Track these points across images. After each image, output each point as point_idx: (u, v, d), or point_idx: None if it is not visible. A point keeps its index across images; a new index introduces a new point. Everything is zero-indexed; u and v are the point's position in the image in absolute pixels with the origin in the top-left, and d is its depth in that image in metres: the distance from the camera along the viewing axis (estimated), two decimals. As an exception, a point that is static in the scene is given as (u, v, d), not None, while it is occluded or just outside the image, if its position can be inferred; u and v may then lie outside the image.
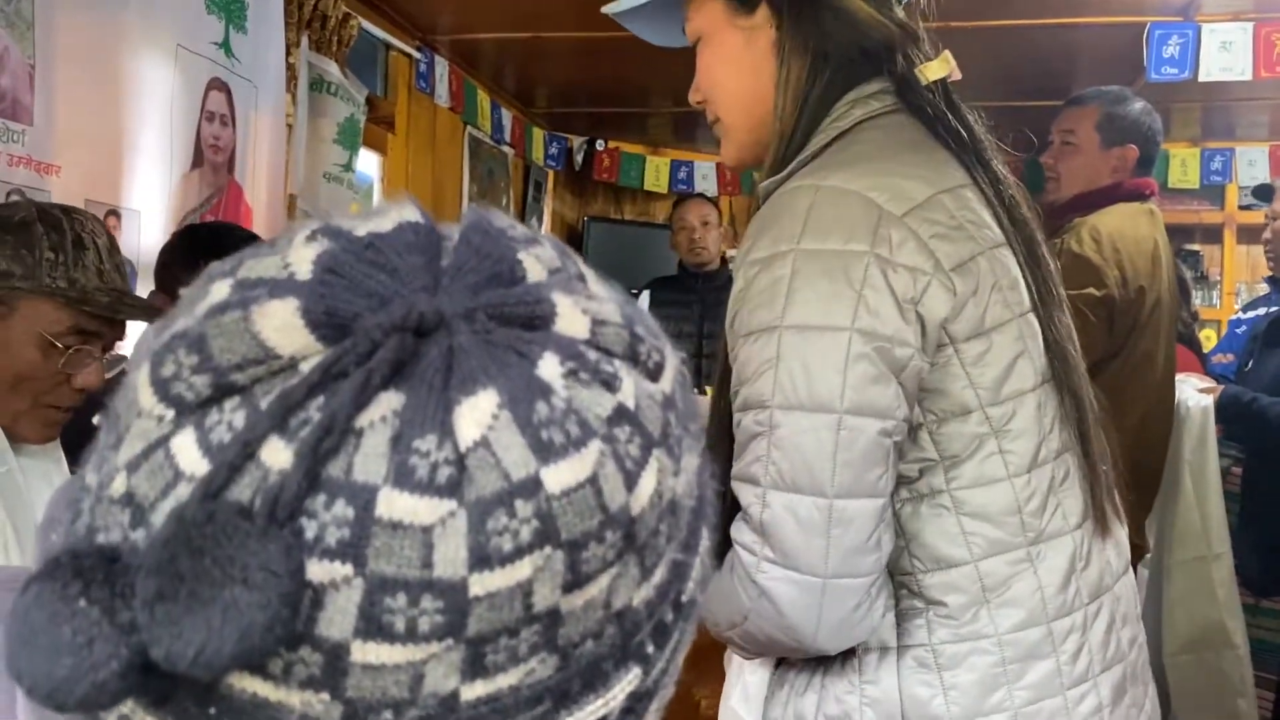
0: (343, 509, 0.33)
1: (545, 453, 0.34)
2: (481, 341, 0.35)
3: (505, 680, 0.35)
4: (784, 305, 0.91)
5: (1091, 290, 2.19)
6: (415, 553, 0.33)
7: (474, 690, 0.35)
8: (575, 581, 0.35)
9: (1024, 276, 0.98)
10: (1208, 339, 4.73)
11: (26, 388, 1.28)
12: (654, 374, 0.38)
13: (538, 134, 4.78)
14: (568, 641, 0.36)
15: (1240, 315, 3.57)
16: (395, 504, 0.33)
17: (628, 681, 0.38)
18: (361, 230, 0.38)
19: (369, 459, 0.33)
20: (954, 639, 0.91)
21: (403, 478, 0.33)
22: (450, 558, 0.33)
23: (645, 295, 3.96)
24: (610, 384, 0.36)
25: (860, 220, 0.91)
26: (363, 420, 0.33)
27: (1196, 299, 4.84)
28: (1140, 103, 2.39)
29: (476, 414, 0.33)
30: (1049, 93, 4.14)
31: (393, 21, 3.46)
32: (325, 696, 0.33)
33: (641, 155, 5.15)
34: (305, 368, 0.34)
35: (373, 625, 0.33)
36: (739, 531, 0.92)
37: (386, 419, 0.33)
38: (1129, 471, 2.31)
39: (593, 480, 0.34)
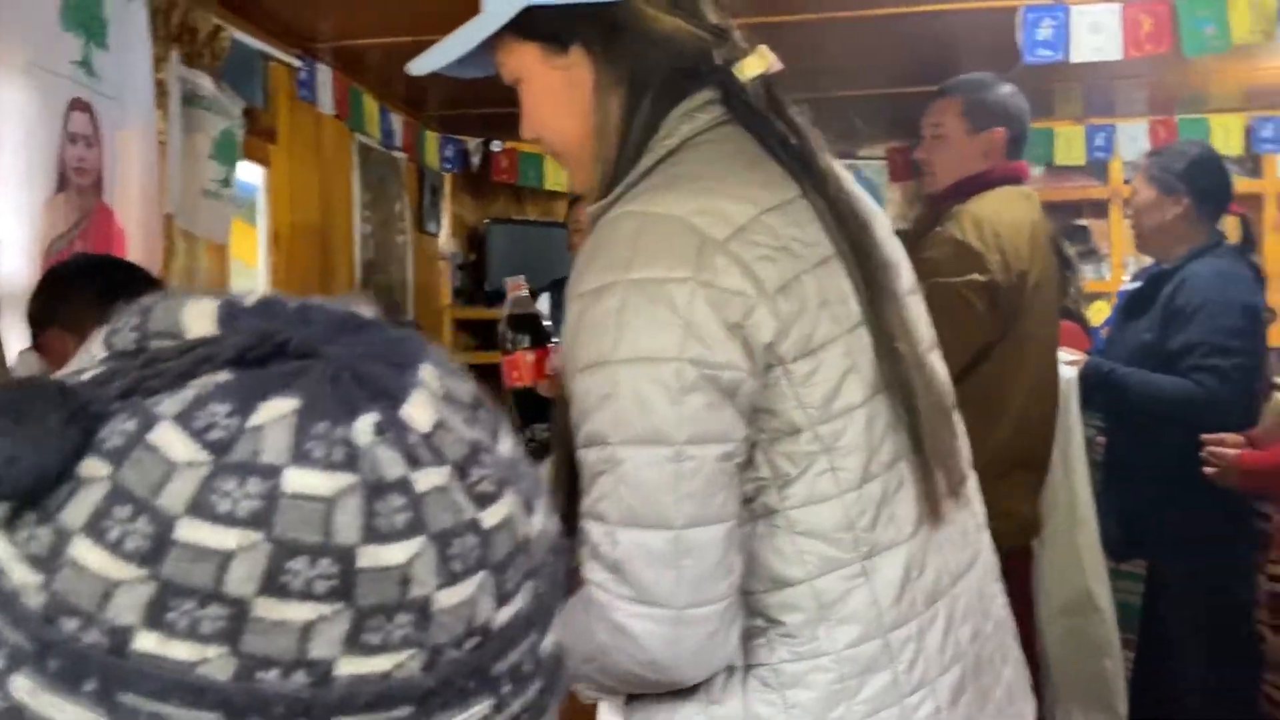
0: (254, 484, 0.38)
1: (414, 461, 0.40)
2: (362, 369, 0.41)
3: (378, 664, 0.39)
4: (614, 338, 0.91)
5: (975, 276, 2.23)
6: (317, 520, 0.38)
7: (350, 665, 0.39)
8: (445, 577, 0.40)
9: (855, 284, 0.97)
10: (1099, 311, 4.87)
11: None
12: (497, 437, 0.45)
13: (431, 137, 4.71)
14: (435, 642, 0.40)
15: (1125, 288, 3.69)
16: (300, 479, 0.38)
17: (481, 711, 0.41)
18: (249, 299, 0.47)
19: (274, 445, 0.38)
20: (793, 658, 0.91)
21: (303, 458, 0.38)
22: (344, 528, 0.38)
23: (545, 297, 3.94)
24: (465, 423, 0.43)
25: (683, 247, 0.92)
26: (264, 415, 0.39)
27: (1087, 272, 4.98)
28: (1006, 86, 2.43)
29: (362, 423, 0.40)
30: (931, 79, 4.19)
31: (269, 31, 3.37)
32: (224, 649, 0.37)
33: (540, 154, 5.11)
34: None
35: (274, 584, 0.37)
36: (591, 570, 0.92)
37: (286, 416, 0.39)
38: (1021, 452, 2.36)
39: (450, 489, 0.41)
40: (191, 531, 0.37)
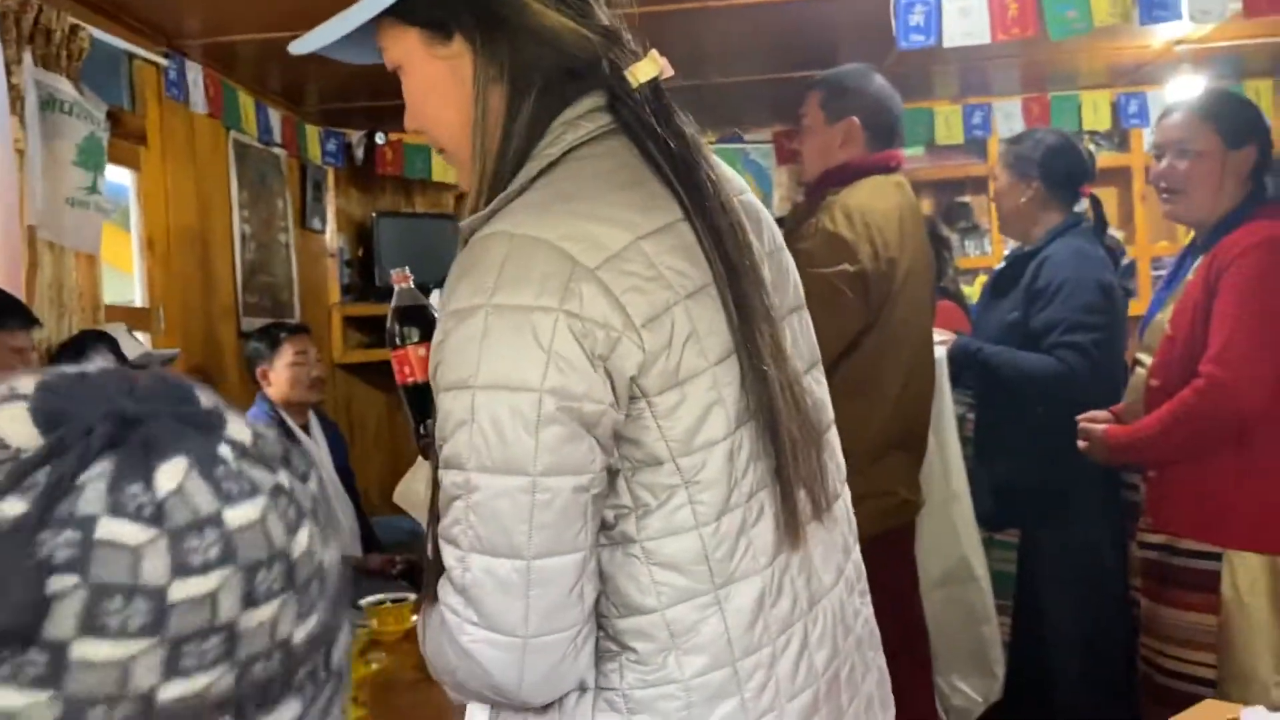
0: (70, 534, 0.44)
1: (225, 498, 0.47)
2: (171, 429, 0.48)
3: (195, 684, 0.44)
4: (476, 363, 0.90)
5: (846, 266, 2.26)
6: (127, 565, 0.44)
7: (170, 690, 0.44)
8: (251, 600, 0.47)
9: (727, 313, 0.97)
10: (982, 283, 5.02)
11: None
12: (304, 477, 0.53)
13: (311, 131, 4.60)
14: (244, 658, 0.46)
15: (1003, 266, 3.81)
16: (111, 529, 0.45)
17: (290, 711, 0.49)
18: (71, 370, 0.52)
19: (90, 500, 0.45)
20: (642, 684, 0.93)
21: (117, 510, 0.45)
22: (155, 569, 0.45)
23: (436, 294, 3.89)
24: (271, 466, 0.51)
25: (552, 274, 0.91)
26: (84, 477, 0.46)
27: (969, 248, 5.13)
28: (867, 77, 2.45)
29: (172, 471, 0.47)
30: (813, 65, 4.26)
31: (132, 29, 3.25)
32: (48, 694, 0.42)
33: (426, 145, 5.03)
34: (27, 452, 0.47)
35: (92, 625, 0.43)
36: (444, 592, 0.92)
37: (104, 474, 0.46)
38: (898, 434, 2.42)
39: (261, 522, 0.48)
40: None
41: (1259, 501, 2.06)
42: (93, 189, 2.93)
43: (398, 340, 1.24)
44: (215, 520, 0.46)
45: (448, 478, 0.92)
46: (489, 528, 0.89)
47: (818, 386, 1.13)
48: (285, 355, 3.42)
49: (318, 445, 3.55)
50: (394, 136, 4.92)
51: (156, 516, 0.45)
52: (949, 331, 2.83)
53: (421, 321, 1.24)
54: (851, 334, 2.29)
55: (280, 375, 3.43)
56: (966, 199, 5.29)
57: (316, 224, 4.71)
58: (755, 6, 3.50)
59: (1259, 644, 2.03)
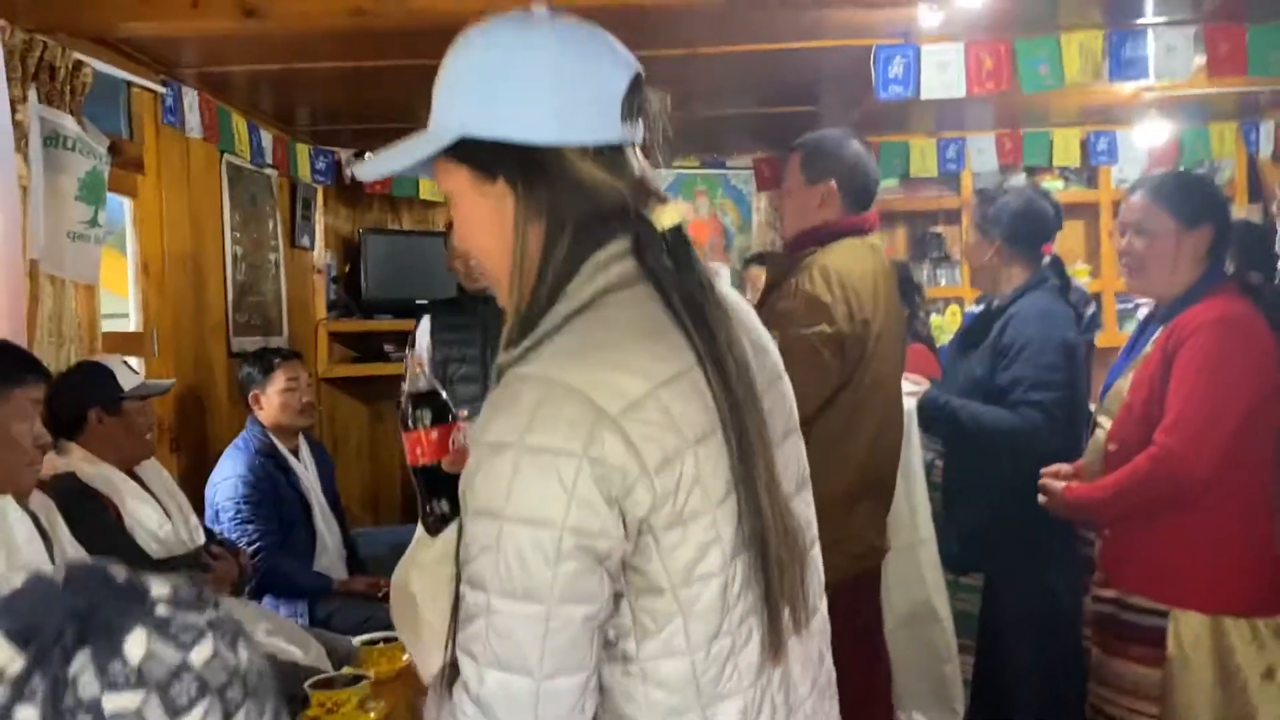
0: (85, 718, 0.60)
1: (184, 646, 0.63)
2: (116, 608, 0.63)
3: None
4: (506, 497, 1.00)
5: (824, 327, 2.37)
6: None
7: None
8: (226, 713, 0.64)
9: (729, 451, 1.06)
10: (953, 315, 5.16)
11: None
12: (214, 603, 0.69)
13: (302, 150, 4.66)
14: None
15: (973, 310, 3.94)
16: (115, 702, 0.60)
17: None
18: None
19: (86, 686, 0.61)
20: None
21: (112, 687, 0.60)
22: (157, 718, 0.61)
23: (425, 321, 3.96)
24: (196, 606, 0.66)
25: (579, 421, 0.99)
26: (73, 671, 0.61)
27: (941, 277, 5.26)
28: (843, 142, 2.55)
29: (136, 641, 0.62)
30: (795, 101, 4.39)
31: (131, 59, 3.31)
32: None
33: (414, 164, 5.11)
34: (16, 667, 0.62)
35: None
36: (459, 697, 1.02)
37: (86, 664, 0.61)
38: (869, 484, 2.53)
39: (216, 655, 0.64)
40: None
41: (1204, 565, 2.20)
42: (93, 222, 3.00)
43: (410, 423, 1.32)
44: (185, 666, 0.62)
45: (470, 596, 1.02)
46: (505, 647, 0.99)
47: (805, 508, 1.23)
48: (278, 381, 3.50)
49: (307, 469, 3.63)
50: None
51: (141, 680, 0.60)
52: (920, 376, 2.95)
53: (433, 405, 1.32)
54: (829, 391, 2.40)
55: (272, 401, 3.51)
56: (939, 229, 5.43)
57: (305, 242, 4.77)
58: (742, 54, 3.60)
59: (1200, 699, 2.17)
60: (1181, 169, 2.59)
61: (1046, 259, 2.92)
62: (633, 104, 1.11)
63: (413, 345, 3.97)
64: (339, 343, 5.11)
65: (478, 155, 1.10)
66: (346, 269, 5.21)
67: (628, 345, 1.05)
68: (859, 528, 2.50)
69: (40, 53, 2.82)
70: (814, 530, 1.22)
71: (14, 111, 2.73)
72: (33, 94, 2.80)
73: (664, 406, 1.02)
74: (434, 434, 1.29)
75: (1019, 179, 5.43)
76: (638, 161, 1.13)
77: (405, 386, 1.34)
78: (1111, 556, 2.36)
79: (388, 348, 5.07)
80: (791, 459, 1.22)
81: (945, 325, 4.97)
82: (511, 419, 1.01)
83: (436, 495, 1.30)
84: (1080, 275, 5.34)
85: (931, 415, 2.76)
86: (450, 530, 1.25)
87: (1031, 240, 2.85)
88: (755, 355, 1.18)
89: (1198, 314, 2.24)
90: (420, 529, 1.27)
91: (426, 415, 1.30)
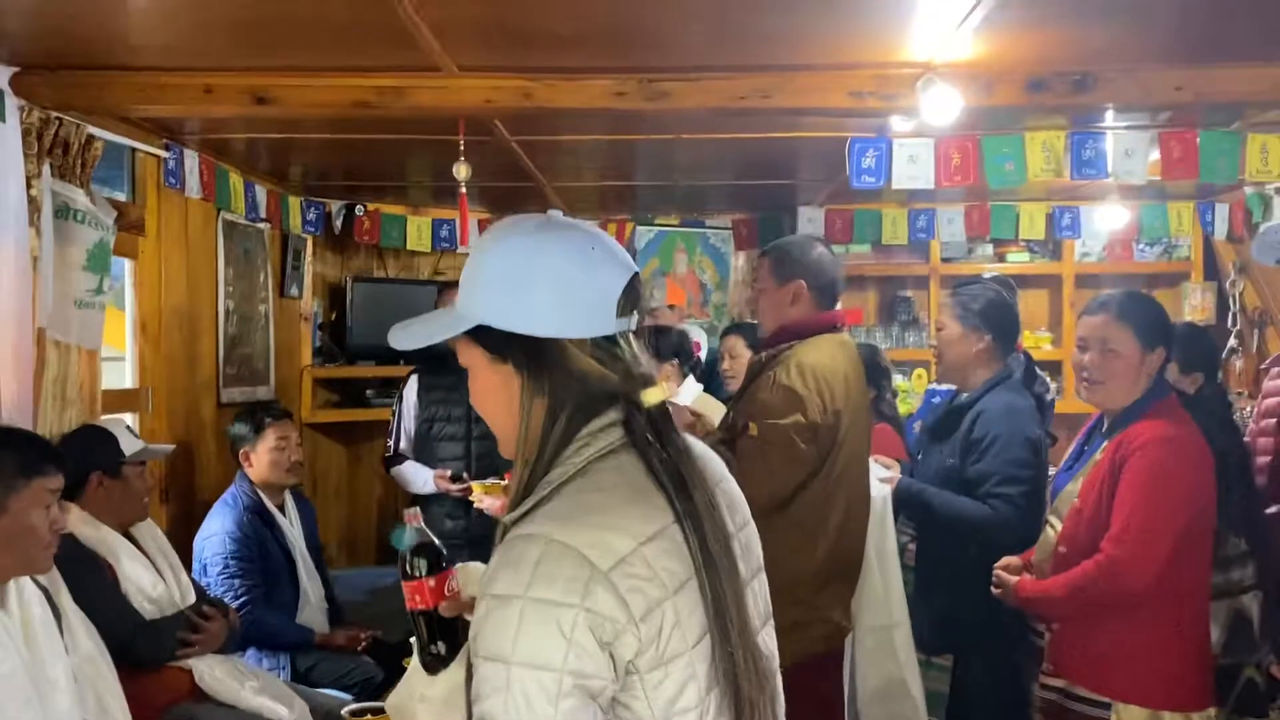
0: None
1: None
2: None
3: None
4: (513, 644, 1.16)
5: (799, 418, 2.55)
6: None
7: None
8: None
9: (704, 598, 1.22)
10: (920, 378, 5.34)
11: None
12: None
13: (294, 202, 4.78)
14: None
15: (935, 387, 4.11)
16: None
17: None
18: None
19: None
20: None
21: None
22: None
23: (413, 379, 4.09)
24: None
25: (576, 577, 1.16)
26: None
27: (909, 340, 5.44)
28: (807, 246, 2.76)
29: None
30: (775, 175, 4.58)
31: (137, 125, 3.43)
32: None
33: (402, 216, 5.24)
34: None
35: None
36: None
37: None
38: (837, 566, 2.68)
39: None
40: None
41: (1143, 662, 2.35)
42: (98, 290, 3.11)
43: (409, 571, 1.47)
44: None
45: None
46: None
47: (769, 638, 1.39)
48: (268, 440, 3.61)
49: (292, 524, 3.74)
50: (372, 207, 5.12)
51: None
52: (891, 460, 3.11)
53: (429, 555, 1.48)
54: (804, 476, 2.58)
55: (262, 459, 3.62)
56: (908, 293, 5.62)
57: (294, 291, 4.89)
58: (733, 140, 3.78)
59: (1140, 787, 2.33)
60: (1139, 291, 2.73)
61: (1019, 355, 3.10)
62: (628, 301, 1.29)
63: (400, 401, 4.11)
64: (321, 387, 5.22)
65: (492, 341, 1.27)
66: (333, 316, 5.33)
67: (615, 507, 1.22)
68: (828, 608, 2.67)
69: (56, 129, 2.94)
70: (776, 661, 1.38)
71: (29, 186, 2.85)
72: (46, 169, 2.92)
73: (647, 561, 1.19)
74: (431, 582, 1.45)
75: (985, 250, 5.66)
76: (630, 348, 1.30)
77: (405, 539, 1.49)
78: (1059, 649, 2.53)
79: (369, 393, 5.20)
80: (759, 595, 1.38)
81: (913, 388, 5.16)
82: (516, 574, 1.17)
83: (434, 638, 1.46)
84: (1043, 342, 5.56)
85: (906, 502, 2.92)
86: (451, 671, 1.40)
87: (1013, 337, 3.02)
88: (728, 506, 1.35)
89: (1144, 430, 2.41)
90: (416, 663, 1.42)
91: (423, 565, 1.46)
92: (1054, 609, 2.51)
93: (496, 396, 1.29)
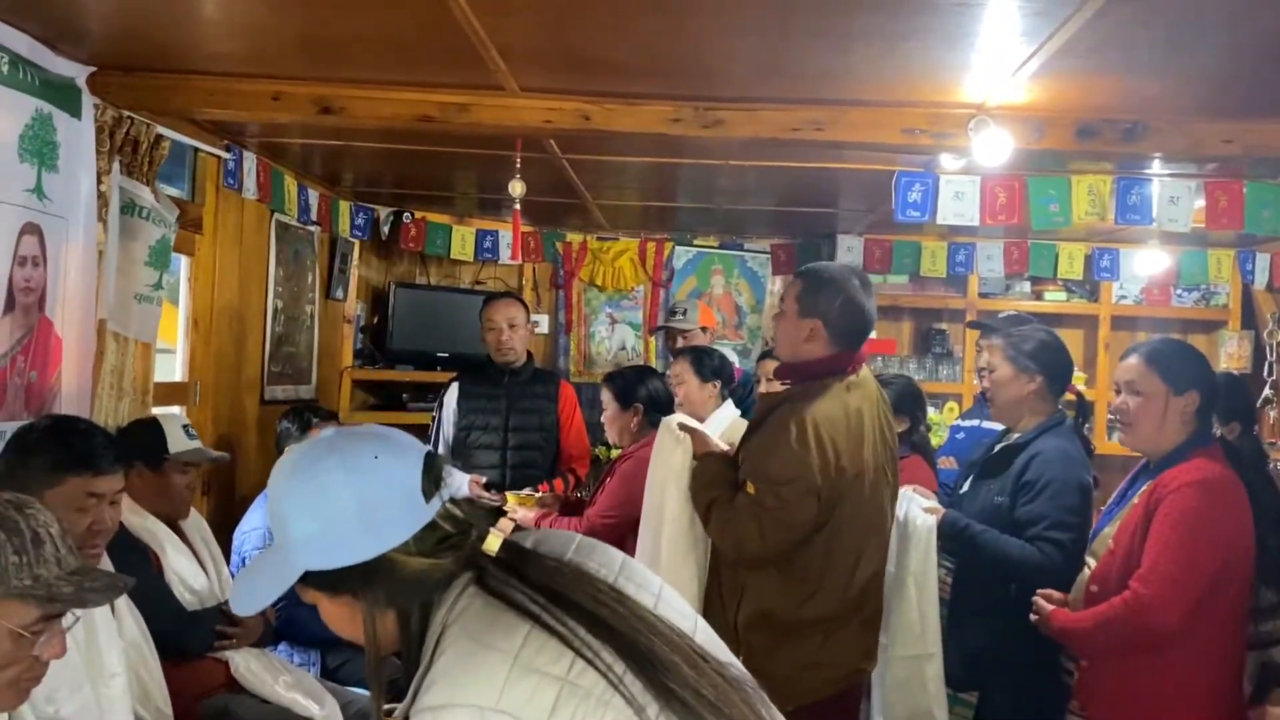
0: None
1: None
2: None
3: None
4: None
5: (799, 484, 2.47)
6: None
7: None
8: None
9: (601, 675, 1.21)
10: (951, 410, 5.36)
11: (3, 674, 1.43)
12: None
13: (344, 206, 4.88)
14: None
15: (960, 423, 4.12)
16: None
17: None
18: None
19: None
20: None
21: None
22: None
23: (454, 386, 4.16)
24: None
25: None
26: None
27: (943, 374, 5.46)
28: (842, 283, 2.60)
29: None
30: (820, 202, 4.63)
31: (200, 126, 3.53)
32: None
33: (448, 225, 5.33)
34: None
35: None
36: None
37: None
38: (848, 610, 2.64)
39: None
40: None
41: (1173, 704, 2.37)
42: (158, 285, 3.20)
43: None
44: None
45: None
46: None
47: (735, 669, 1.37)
48: (311, 440, 3.68)
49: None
50: (419, 215, 5.22)
51: None
52: (928, 491, 3.12)
53: None
54: (804, 533, 2.53)
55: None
56: (944, 326, 5.65)
57: (339, 294, 4.98)
58: (780, 168, 3.83)
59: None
60: (1176, 337, 2.73)
61: (1073, 398, 3.12)
62: (430, 481, 1.31)
63: (440, 407, 4.18)
64: (360, 389, 5.30)
65: (323, 580, 1.30)
66: (375, 320, 5.42)
67: (477, 655, 1.22)
68: (838, 653, 2.61)
69: (127, 128, 3.04)
70: (735, 664, 1.36)
71: (99, 182, 2.95)
72: (116, 166, 3.02)
73: (527, 667, 1.19)
74: None
75: (1023, 287, 5.67)
76: (453, 515, 1.32)
77: None
78: (1087, 687, 2.55)
79: (405, 397, 5.28)
80: (711, 640, 1.38)
81: (944, 421, 5.18)
82: None
83: None
84: (1077, 382, 5.56)
85: (951, 536, 2.93)
86: None
87: (1065, 376, 3.03)
88: (635, 585, 1.36)
89: (1180, 474, 2.44)
90: None
91: None
92: (1083, 642, 2.54)
93: (351, 621, 1.31)
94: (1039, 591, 2.69)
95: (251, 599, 1.32)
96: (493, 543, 1.31)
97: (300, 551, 1.28)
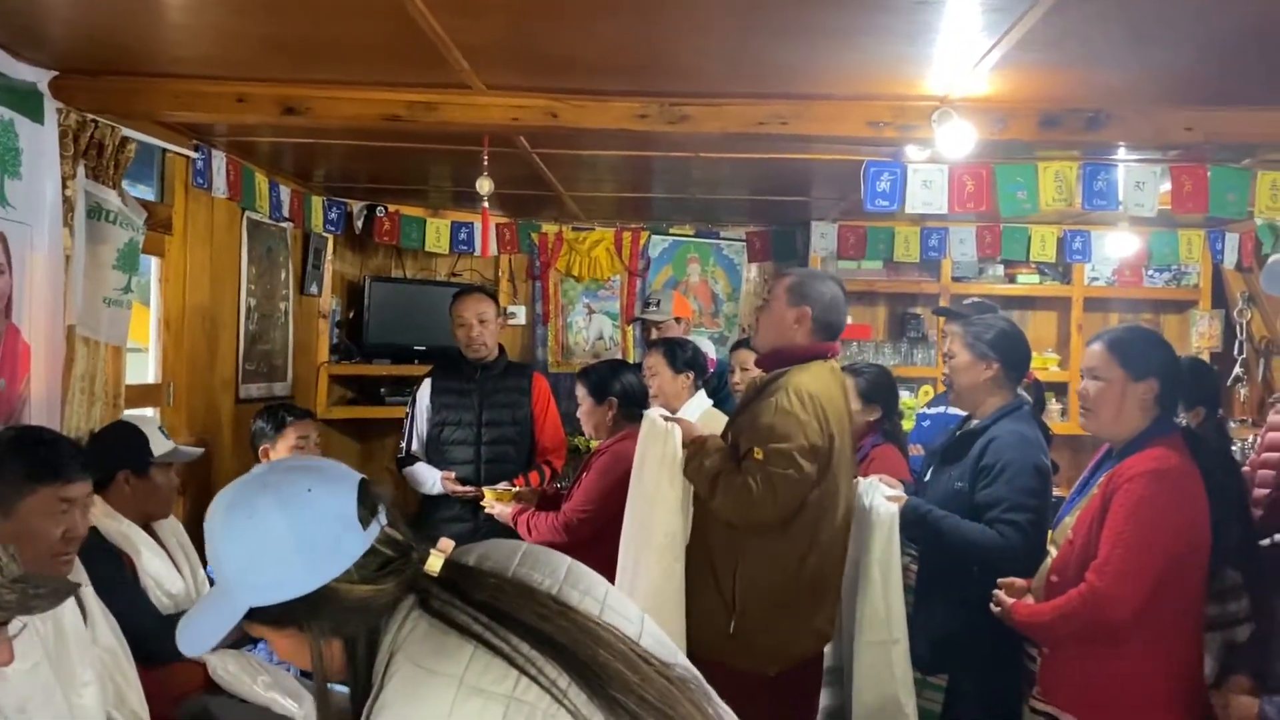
0: None
1: None
2: None
3: None
4: None
5: (801, 441, 2.66)
6: None
7: None
8: None
9: (546, 689, 1.23)
10: (925, 394, 5.40)
11: None
12: None
13: (316, 201, 4.86)
14: None
15: (925, 410, 4.17)
16: None
17: None
18: None
19: None
20: None
21: None
22: None
23: (427, 382, 4.16)
24: None
25: None
26: None
27: (917, 358, 5.50)
28: (824, 282, 2.89)
29: None
30: (790, 192, 4.64)
31: (169, 127, 3.51)
32: None
33: (422, 218, 5.32)
34: None
35: None
36: None
37: None
38: (825, 576, 2.77)
39: None
40: None
41: (1129, 693, 2.41)
42: (127, 289, 3.19)
43: None
44: None
45: None
46: None
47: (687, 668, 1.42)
48: (288, 439, 3.68)
49: (306, 521, 3.81)
50: (392, 208, 5.20)
51: None
52: (895, 480, 3.17)
53: None
54: (807, 492, 2.70)
55: (280, 456, 3.70)
56: (918, 311, 5.68)
57: (314, 289, 4.97)
58: (750, 159, 3.84)
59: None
60: (1140, 324, 2.78)
61: (1029, 383, 3.17)
62: (365, 509, 1.32)
63: (414, 403, 4.18)
64: (337, 384, 5.30)
65: (268, 615, 1.30)
66: (350, 314, 5.41)
67: (424, 676, 1.24)
68: (814, 616, 2.83)
69: (91, 132, 3.02)
70: (679, 664, 1.40)
71: (64, 187, 2.93)
72: (81, 170, 3.00)
73: (472, 688, 1.22)
74: None
75: (996, 270, 5.71)
76: (392, 539, 1.33)
77: None
78: (1048, 674, 2.59)
79: (383, 390, 5.28)
80: (657, 641, 1.40)
81: (919, 404, 5.22)
82: None
83: None
84: (1050, 364, 5.62)
85: (913, 522, 2.98)
86: None
87: (1022, 367, 3.08)
88: (580, 594, 1.38)
89: (1136, 463, 2.47)
90: None
91: None
92: (1042, 634, 2.58)
93: (300, 651, 1.33)
94: (1000, 582, 2.73)
95: (198, 641, 1.32)
96: (434, 563, 1.33)
97: (242, 590, 1.29)
